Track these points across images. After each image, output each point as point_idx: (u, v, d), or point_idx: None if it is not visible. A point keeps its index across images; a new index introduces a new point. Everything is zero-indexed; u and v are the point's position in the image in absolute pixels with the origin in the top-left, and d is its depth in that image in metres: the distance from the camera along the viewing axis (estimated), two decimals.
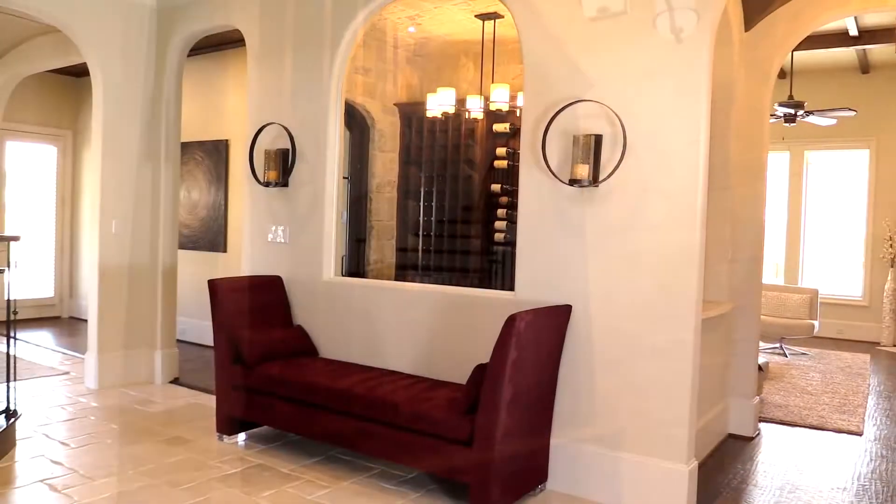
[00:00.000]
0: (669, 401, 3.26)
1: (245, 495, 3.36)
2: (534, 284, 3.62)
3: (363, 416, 3.50)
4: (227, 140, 6.95)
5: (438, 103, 5.64)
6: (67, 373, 5.81)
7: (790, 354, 7.66)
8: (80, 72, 8.19)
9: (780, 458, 4.25)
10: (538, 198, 3.61)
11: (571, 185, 3.42)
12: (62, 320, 8.58)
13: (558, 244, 3.54)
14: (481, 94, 5.62)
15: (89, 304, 5.36)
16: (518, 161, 5.96)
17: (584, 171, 3.35)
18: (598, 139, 3.38)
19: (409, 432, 3.33)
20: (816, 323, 7.49)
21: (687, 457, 3.25)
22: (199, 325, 7.07)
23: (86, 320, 8.36)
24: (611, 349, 3.40)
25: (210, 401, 5.03)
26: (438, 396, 3.40)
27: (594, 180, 3.37)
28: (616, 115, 3.32)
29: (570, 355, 3.51)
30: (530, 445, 3.36)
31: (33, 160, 8.42)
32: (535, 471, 3.44)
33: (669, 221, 3.26)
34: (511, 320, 3.02)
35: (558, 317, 3.42)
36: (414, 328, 4.02)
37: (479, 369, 3.19)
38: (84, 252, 8.55)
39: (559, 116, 3.47)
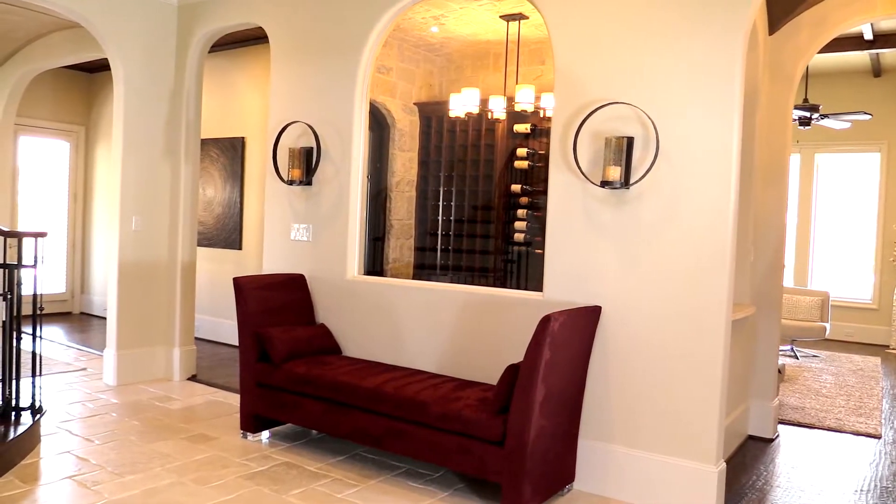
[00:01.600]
0: (699, 402, 3.27)
1: (274, 493, 3.37)
2: (563, 285, 3.63)
3: (392, 416, 3.51)
4: (243, 137, 6.95)
5: (462, 103, 5.65)
6: (84, 369, 5.82)
7: (801, 357, 7.68)
8: (93, 67, 8.19)
9: (800, 459, 4.27)
10: (567, 199, 3.62)
11: (602, 187, 3.43)
12: (73, 316, 8.58)
13: (588, 245, 3.55)
14: (504, 95, 5.63)
15: (108, 300, 5.37)
16: (539, 161, 6.02)
17: (615, 172, 3.37)
18: (630, 141, 3.39)
19: (439, 431, 3.34)
20: (828, 325, 7.51)
21: (716, 458, 3.26)
22: (213, 322, 7.08)
23: (97, 316, 8.39)
24: (640, 350, 3.41)
25: (229, 398, 5.05)
26: (468, 396, 3.41)
27: (625, 182, 3.38)
28: (648, 117, 3.33)
29: (598, 356, 3.52)
30: (560, 446, 3.37)
31: (46, 155, 8.42)
32: (563, 471, 3.45)
33: (701, 224, 3.27)
34: (546, 321, 3.03)
35: (589, 318, 3.44)
36: (439, 328, 4.03)
37: (511, 369, 3.20)
38: (96, 248, 8.56)
39: (590, 118, 3.48)
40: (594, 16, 3.55)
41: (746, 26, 3.21)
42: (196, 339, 6.32)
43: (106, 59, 5.78)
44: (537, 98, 5.41)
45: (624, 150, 3.37)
